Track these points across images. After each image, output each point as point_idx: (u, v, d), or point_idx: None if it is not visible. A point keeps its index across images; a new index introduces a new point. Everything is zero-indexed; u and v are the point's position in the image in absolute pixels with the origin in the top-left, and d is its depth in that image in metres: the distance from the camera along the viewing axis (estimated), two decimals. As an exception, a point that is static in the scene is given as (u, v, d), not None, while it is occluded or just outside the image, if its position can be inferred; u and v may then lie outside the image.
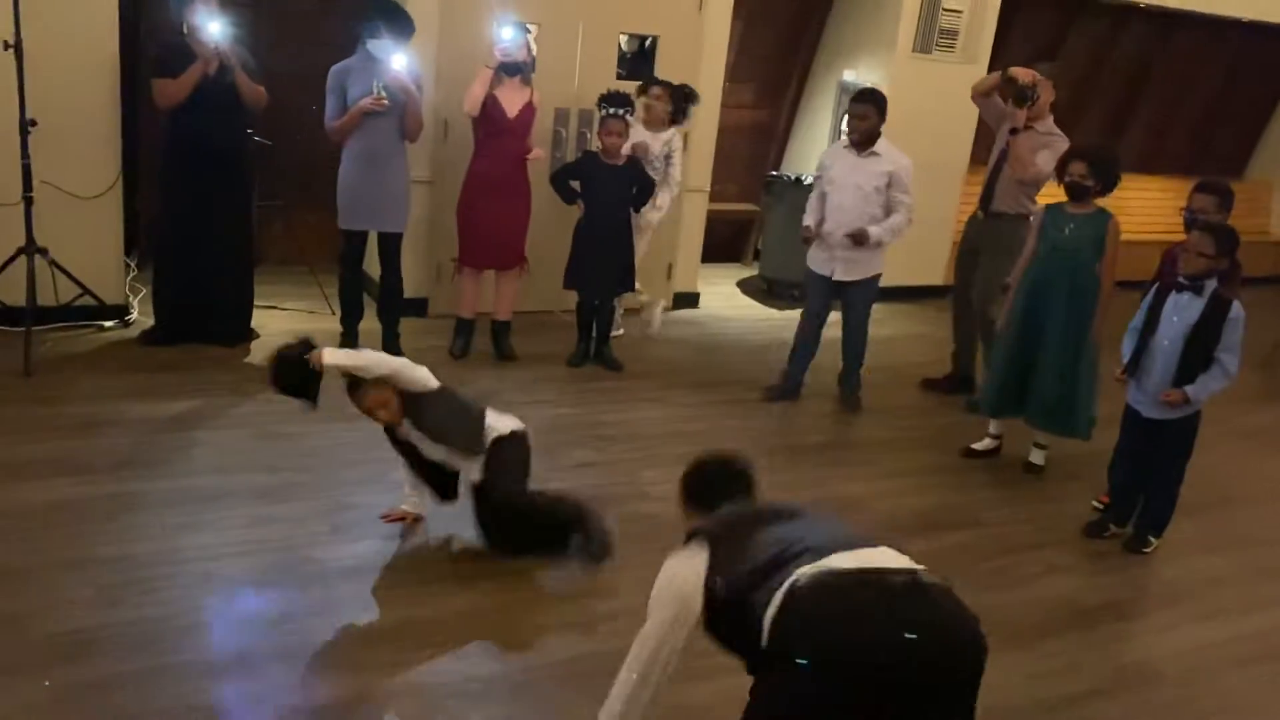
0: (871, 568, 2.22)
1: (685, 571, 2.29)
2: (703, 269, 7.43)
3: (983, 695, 3.19)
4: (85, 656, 2.91)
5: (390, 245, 5.38)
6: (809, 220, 5.38)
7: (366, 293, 5.62)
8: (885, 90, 5.51)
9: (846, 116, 5.31)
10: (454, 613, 3.31)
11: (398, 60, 5.04)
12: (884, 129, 5.28)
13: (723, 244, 8.29)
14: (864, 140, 5.20)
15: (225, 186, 5.31)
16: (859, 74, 7.57)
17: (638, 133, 5.82)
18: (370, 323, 5.55)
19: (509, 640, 3.21)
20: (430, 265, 6.23)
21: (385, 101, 5.02)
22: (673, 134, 5.99)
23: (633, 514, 4.09)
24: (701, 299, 7.34)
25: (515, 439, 3.74)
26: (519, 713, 2.89)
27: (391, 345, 5.49)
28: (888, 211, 5.24)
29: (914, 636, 2.05)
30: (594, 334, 5.84)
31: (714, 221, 7.50)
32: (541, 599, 3.47)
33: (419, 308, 6.22)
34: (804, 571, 2.15)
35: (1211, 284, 3.95)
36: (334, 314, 5.74)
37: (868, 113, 5.17)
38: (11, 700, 2.70)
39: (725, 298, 7.64)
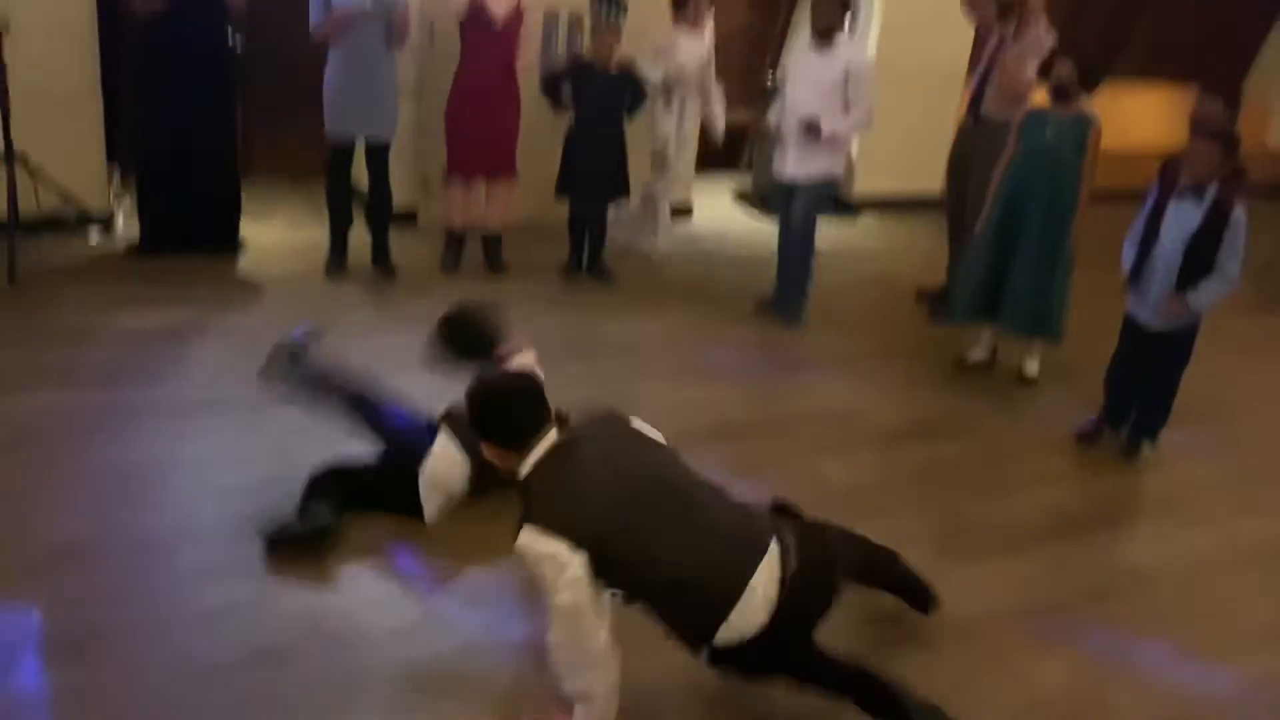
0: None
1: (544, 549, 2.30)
2: (697, 179, 7.32)
3: (973, 600, 3.25)
4: (79, 563, 2.91)
5: (378, 155, 5.26)
6: (771, 117, 5.37)
7: (356, 203, 5.52)
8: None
9: (810, 12, 5.18)
10: (452, 519, 3.31)
11: None
12: (884, 31, 5.14)
13: (717, 152, 8.15)
14: (823, 34, 5.07)
15: (206, 93, 5.19)
16: (857, -23, 7.35)
17: (680, 47, 5.67)
18: (359, 233, 5.47)
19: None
20: (418, 176, 6.12)
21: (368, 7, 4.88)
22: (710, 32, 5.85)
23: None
24: (697, 209, 7.24)
25: None
26: (516, 614, 2.90)
27: (381, 256, 5.42)
28: (846, 110, 5.14)
29: None
30: (587, 245, 5.76)
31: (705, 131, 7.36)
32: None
33: (409, 218, 6.13)
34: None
35: (1212, 190, 3.89)
36: (322, 225, 5.64)
37: (832, 5, 5.04)
38: (9, 607, 2.71)
39: (719, 208, 7.55)
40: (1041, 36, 5.28)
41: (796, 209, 5.34)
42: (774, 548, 2.42)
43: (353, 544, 3.14)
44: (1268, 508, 4.04)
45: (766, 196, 7.59)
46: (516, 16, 5.30)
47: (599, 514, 2.32)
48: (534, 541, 2.28)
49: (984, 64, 5.46)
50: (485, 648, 2.77)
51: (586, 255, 5.78)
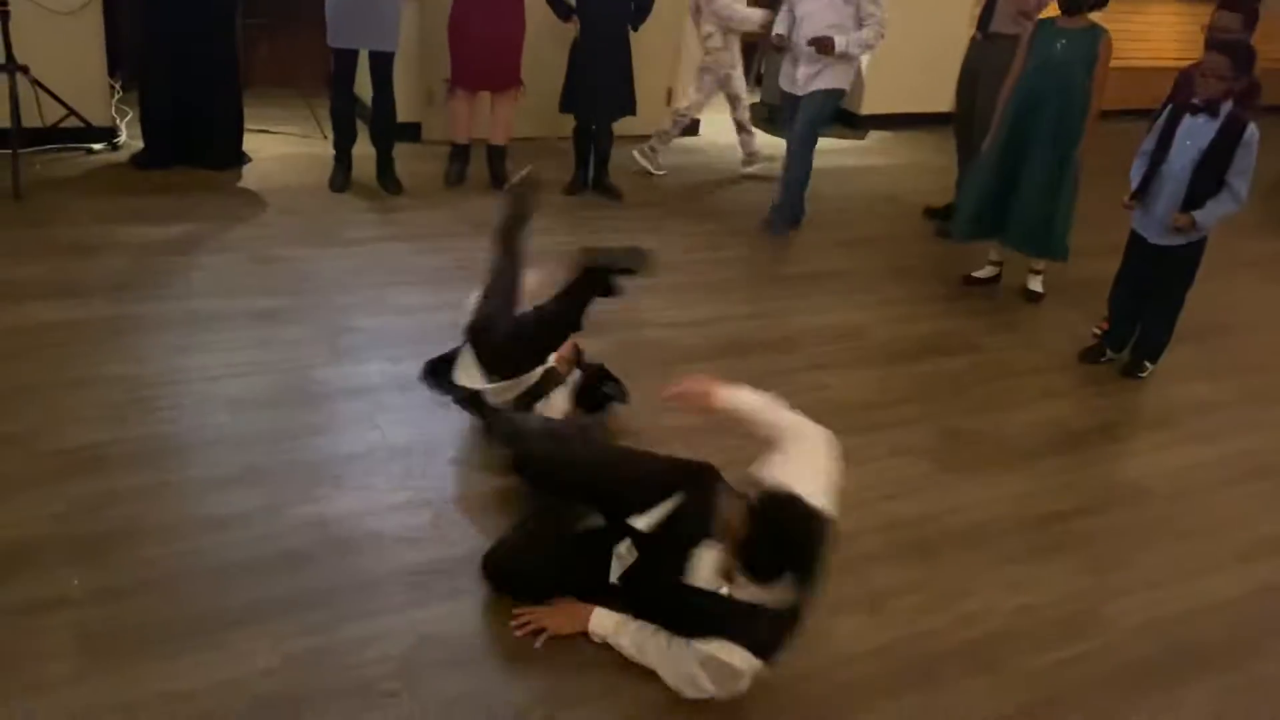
0: None
1: None
2: (703, 95, 7.22)
3: (971, 510, 3.30)
4: (94, 471, 2.96)
5: (382, 66, 5.19)
6: (780, 29, 5.26)
7: (359, 117, 5.47)
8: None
9: None
10: (458, 432, 3.35)
11: None
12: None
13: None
14: None
15: (207, 4, 5.11)
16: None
17: None
18: (363, 147, 5.42)
19: (509, 460, 3.25)
20: (422, 88, 6.05)
21: None
22: None
23: (633, 340, 4.11)
24: (702, 126, 7.17)
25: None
26: (523, 525, 2.96)
27: (386, 170, 5.39)
28: (858, 25, 5.06)
29: None
30: (593, 160, 5.71)
31: (715, 45, 7.24)
32: (543, 419, 3.51)
33: (412, 133, 6.08)
34: None
35: (1227, 106, 3.84)
36: (326, 138, 5.60)
37: None
38: (23, 513, 2.76)
39: (726, 125, 7.44)
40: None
41: (799, 119, 5.30)
42: None
43: (366, 454, 3.19)
44: (1267, 425, 4.08)
45: (774, 112, 7.51)
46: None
47: None
48: (738, 660, 2.31)
49: (991, -20, 5.36)
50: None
51: (592, 171, 5.74)
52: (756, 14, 5.93)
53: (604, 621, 2.53)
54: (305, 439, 3.23)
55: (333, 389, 3.52)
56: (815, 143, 5.38)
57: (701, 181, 6.25)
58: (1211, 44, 3.98)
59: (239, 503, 2.90)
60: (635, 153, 6.25)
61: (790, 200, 5.46)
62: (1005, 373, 4.26)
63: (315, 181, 5.36)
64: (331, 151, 5.37)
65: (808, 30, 5.12)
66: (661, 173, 6.26)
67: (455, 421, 3.40)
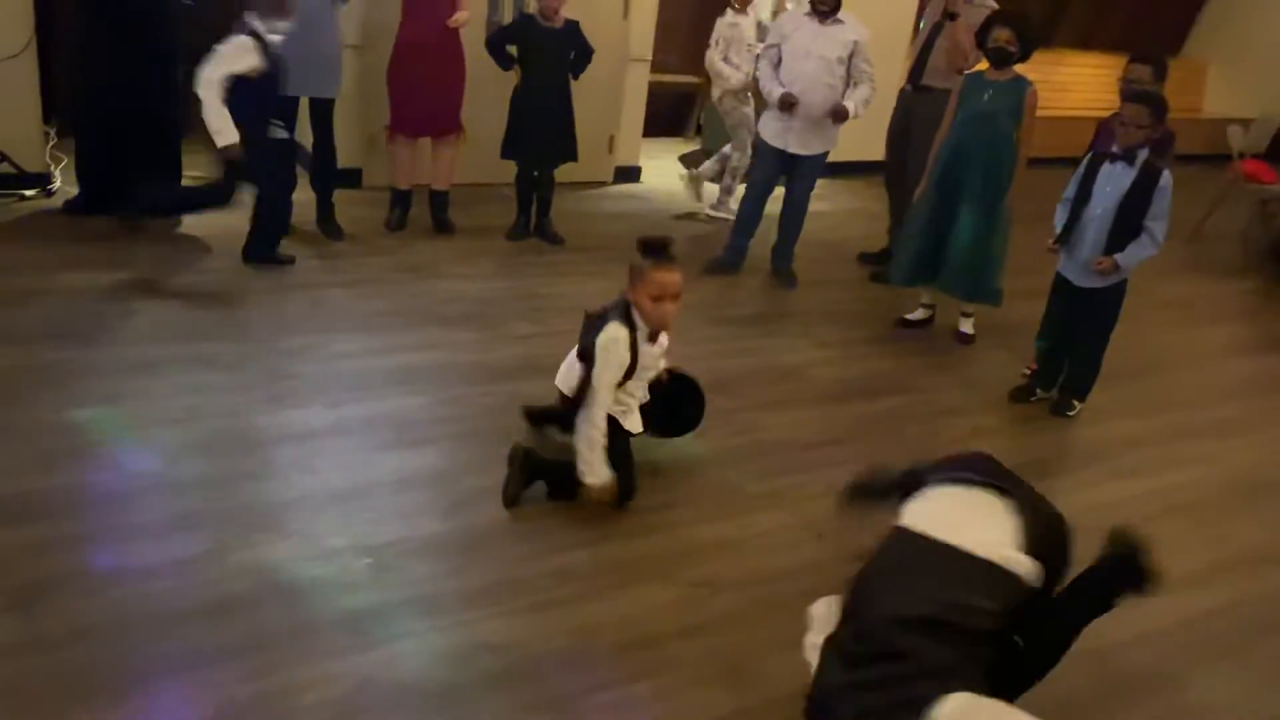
0: None
1: None
2: (645, 143, 7.34)
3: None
4: (24, 520, 2.90)
5: (323, 112, 5.22)
6: (776, 89, 5.21)
7: (299, 162, 5.47)
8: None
9: None
10: (398, 477, 3.35)
11: None
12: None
13: (664, 116, 8.18)
14: (831, 8, 5.10)
15: (148, 50, 5.10)
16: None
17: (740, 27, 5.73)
18: (304, 193, 5.42)
19: (452, 502, 3.26)
20: (363, 134, 6.08)
21: None
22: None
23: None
24: (644, 173, 7.27)
25: None
26: (462, 567, 2.96)
27: (326, 216, 5.39)
28: (846, 83, 5.18)
29: None
30: (534, 206, 5.77)
31: (655, 94, 7.39)
32: (486, 460, 3.51)
33: (353, 178, 6.10)
34: None
35: (1143, 153, 4.01)
36: (266, 184, 5.59)
37: None
38: (-48, 562, 2.70)
39: (667, 172, 7.58)
40: (985, 6, 5.36)
41: (801, 182, 5.43)
42: None
43: (304, 499, 3.17)
44: (1189, 461, 4.21)
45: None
46: (458, -28, 5.28)
47: None
48: None
49: (927, 33, 5.54)
50: (432, 597, 2.82)
51: (535, 216, 5.79)
52: (735, 74, 6.04)
53: None
54: (242, 485, 3.20)
55: (271, 435, 3.50)
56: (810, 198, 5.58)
57: (643, 226, 6.32)
58: (1129, 95, 4.16)
59: (174, 550, 2.86)
60: (709, 211, 6.51)
61: (789, 251, 5.60)
62: (938, 412, 4.36)
63: (255, 227, 5.34)
64: (272, 197, 5.36)
65: (800, 90, 5.15)
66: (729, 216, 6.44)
67: (394, 466, 3.40)
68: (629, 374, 3.31)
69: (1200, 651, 3.06)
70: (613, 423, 3.30)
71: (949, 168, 4.77)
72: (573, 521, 3.25)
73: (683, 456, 3.74)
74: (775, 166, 5.41)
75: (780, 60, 5.24)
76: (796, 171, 5.42)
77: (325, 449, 3.46)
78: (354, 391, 3.85)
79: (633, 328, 3.30)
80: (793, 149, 5.30)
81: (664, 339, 3.46)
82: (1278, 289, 6.66)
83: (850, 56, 5.15)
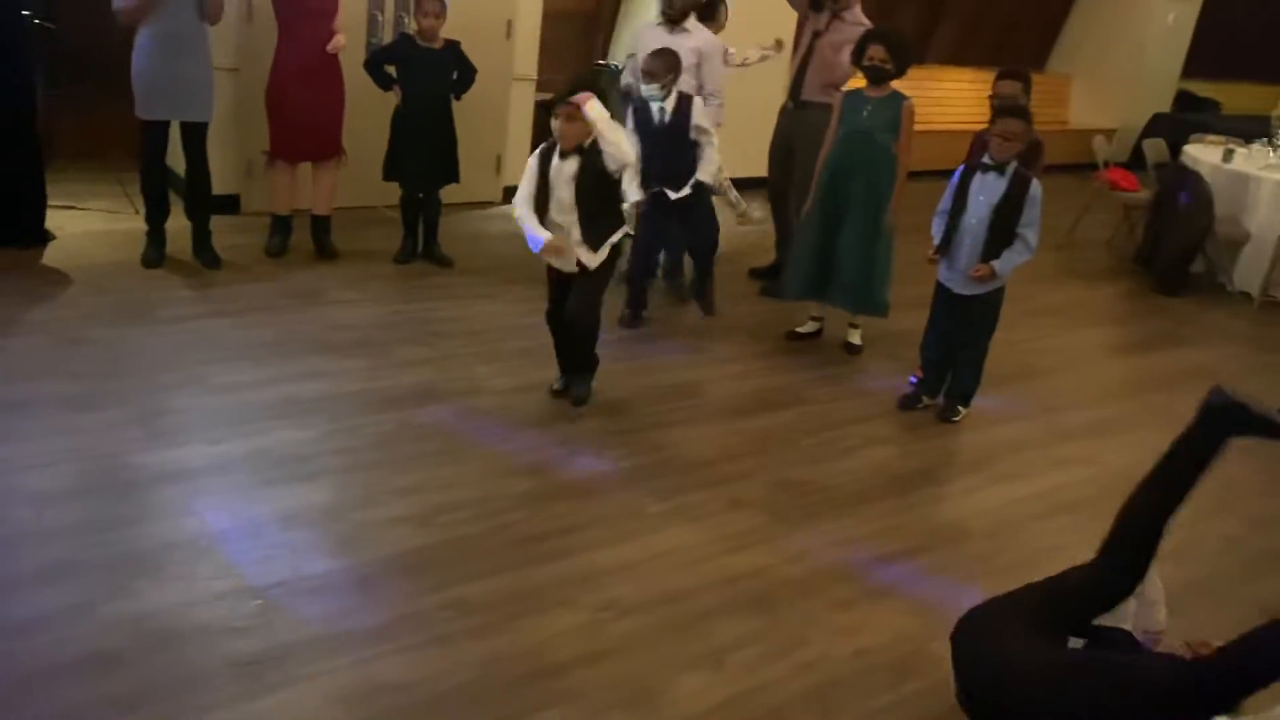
0: None
1: None
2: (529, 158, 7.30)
3: (806, 560, 3.39)
4: (-124, 579, 2.70)
5: (195, 136, 5.03)
6: (628, 81, 5.39)
7: (172, 189, 5.27)
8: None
9: None
10: (284, 514, 3.23)
11: None
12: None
13: (551, 134, 8.15)
14: (676, 16, 5.18)
15: (4, 74, 4.85)
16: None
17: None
18: (178, 221, 5.23)
19: (342, 537, 3.16)
20: (240, 159, 5.89)
21: None
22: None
23: (467, 408, 4.07)
24: (531, 193, 7.22)
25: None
26: (357, 604, 2.86)
27: (202, 244, 5.20)
28: (700, 90, 5.25)
29: None
30: (420, 229, 5.67)
31: (544, 112, 7.36)
32: (378, 491, 3.42)
33: (231, 204, 5.90)
34: None
35: (1013, 164, 4.16)
36: (138, 213, 5.37)
37: None
38: None
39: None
40: (860, 19, 5.50)
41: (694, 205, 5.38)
42: None
43: (185, 542, 3.03)
44: (1072, 462, 4.35)
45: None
46: (334, -7, 5.17)
47: None
48: None
49: (803, 50, 5.65)
50: (327, 637, 2.72)
51: (422, 239, 5.70)
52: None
53: None
54: (119, 530, 3.04)
55: (148, 475, 3.34)
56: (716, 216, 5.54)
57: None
58: (1004, 110, 4.29)
59: (45, 602, 2.70)
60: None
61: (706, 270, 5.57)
62: (831, 423, 4.42)
63: (126, 258, 5.12)
64: (144, 226, 5.15)
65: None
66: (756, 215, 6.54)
67: (281, 502, 3.28)
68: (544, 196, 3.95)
69: (1089, 646, 3.15)
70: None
71: (832, 183, 4.86)
72: (472, 550, 3.19)
73: (581, 479, 3.71)
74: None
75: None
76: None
77: (206, 488, 3.32)
78: (236, 426, 3.70)
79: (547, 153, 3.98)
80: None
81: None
82: (1144, 292, 6.97)
83: (697, 65, 5.21)
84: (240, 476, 3.40)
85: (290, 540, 3.10)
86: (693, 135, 4.95)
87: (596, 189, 3.92)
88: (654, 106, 4.93)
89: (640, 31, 5.46)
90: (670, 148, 4.96)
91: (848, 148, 4.81)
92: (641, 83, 4.89)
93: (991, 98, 4.73)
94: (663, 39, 5.21)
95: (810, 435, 4.28)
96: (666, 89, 4.85)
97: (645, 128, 4.95)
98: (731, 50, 5.91)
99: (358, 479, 3.49)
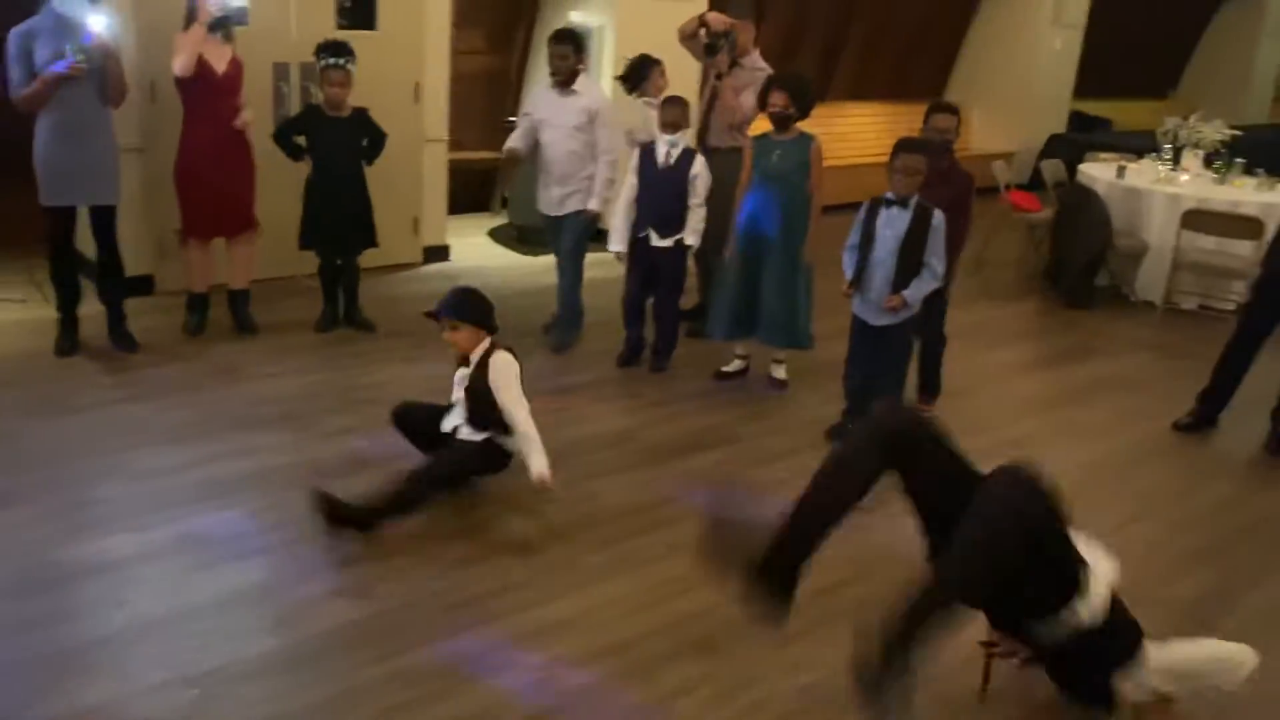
0: None
1: None
2: (452, 220, 7.33)
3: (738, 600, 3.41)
4: None
5: (104, 220, 4.96)
6: (515, 142, 5.47)
7: (83, 274, 5.18)
8: (612, 30, 5.59)
9: (548, 56, 5.36)
10: (218, 597, 3.18)
11: (95, 20, 4.63)
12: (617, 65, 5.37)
13: (468, 194, 8.20)
14: (565, 79, 5.27)
15: None
16: (586, 15, 7.61)
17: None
18: (91, 306, 5.13)
19: (279, 616, 3.12)
20: (152, 239, 5.82)
21: (84, 66, 4.60)
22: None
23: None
24: (453, 251, 7.25)
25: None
26: (299, 683, 2.82)
27: (117, 328, 5.11)
28: (593, 148, 5.33)
29: None
30: (340, 295, 5.65)
31: (457, 171, 7.41)
32: (313, 566, 3.38)
33: (145, 285, 5.81)
34: None
35: (915, 196, 4.30)
36: (48, 301, 5.26)
37: (566, 52, 5.24)
38: None
39: (477, 248, 7.57)
40: (759, 63, 5.66)
41: (566, 238, 5.50)
42: None
43: (116, 635, 2.96)
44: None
45: (522, 233, 7.70)
46: (236, 69, 5.16)
47: None
48: None
49: (706, 96, 5.80)
50: (268, 721, 2.68)
51: (343, 305, 5.67)
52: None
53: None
54: (44, 629, 2.96)
55: (72, 569, 3.26)
56: (583, 257, 5.61)
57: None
58: (902, 145, 4.35)
59: (-31, 713, 2.61)
60: None
61: (569, 314, 5.61)
62: (763, 459, 4.48)
63: (38, 348, 5.01)
64: (55, 315, 5.04)
65: (550, 156, 5.36)
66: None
67: (214, 586, 3.23)
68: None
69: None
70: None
71: (750, 226, 4.98)
72: (414, 618, 3.16)
73: (518, 537, 3.70)
74: (555, 231, 5.59)
75: (534, 128, 5.45)
76: (561, 231, 5.54)
77: (136, 577, 3.25)
78: (163, 511, 3.64)
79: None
80: (554, 210, 5.47)
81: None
82: (1054, 308, 7.21)
83: (591, 124, 5.31)
84: (170, 563, 3.34)
85: (226, 624, 3.05)
86: (688, 186, 5.14)
87: (485, 401, 3.83)
88: (660, 150, 5.12)
89: (535, 94, 5.56)
90: (667, 192, 5.13)
91: (763, 191, 4.94)
92: (665, 134, 5.12)
93: (924, 130, 4.81)
94: (553, 101, 5.32)
95: (743, 471, 4.33)
96: (682, 134, 5.14)
97: (647, 171, 5.16)
98: (641, 133, 6.01)
99: (291, 555, 3.45)
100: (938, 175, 4.56)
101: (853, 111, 10.65)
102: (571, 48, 5.25)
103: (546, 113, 5.36)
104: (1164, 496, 4.46)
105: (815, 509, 2.76)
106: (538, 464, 3.67)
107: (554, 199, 5.46)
